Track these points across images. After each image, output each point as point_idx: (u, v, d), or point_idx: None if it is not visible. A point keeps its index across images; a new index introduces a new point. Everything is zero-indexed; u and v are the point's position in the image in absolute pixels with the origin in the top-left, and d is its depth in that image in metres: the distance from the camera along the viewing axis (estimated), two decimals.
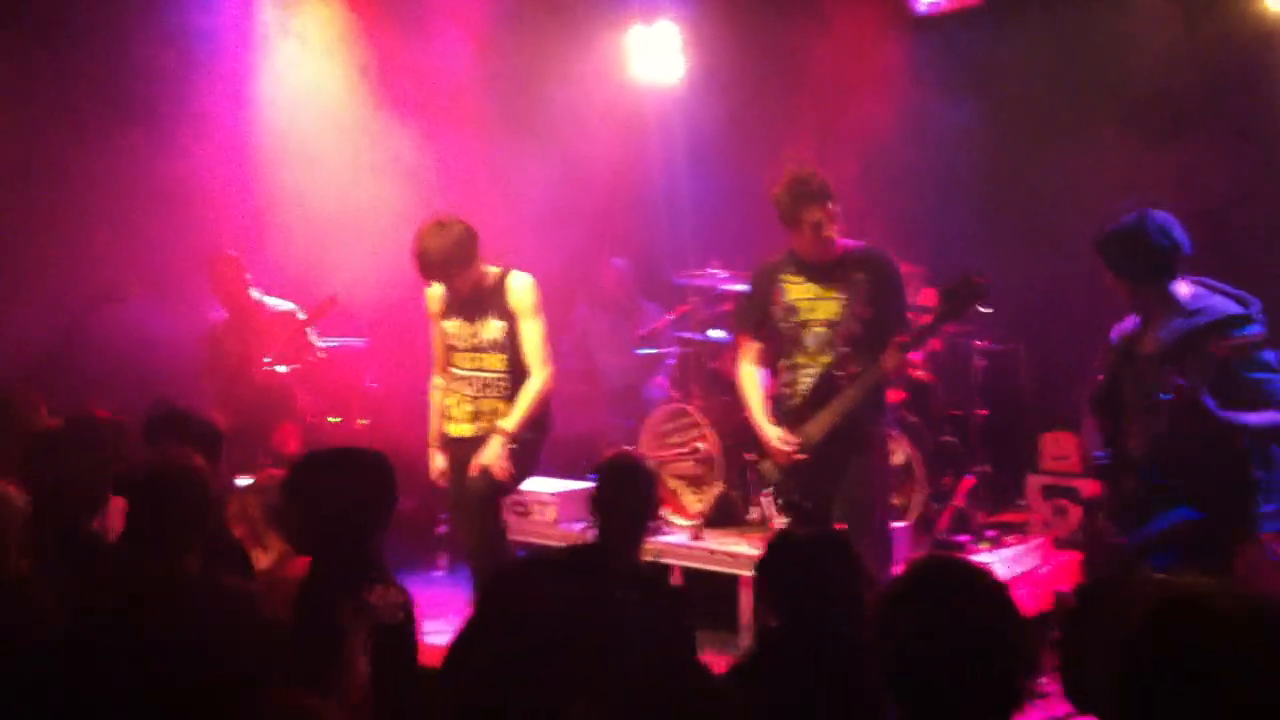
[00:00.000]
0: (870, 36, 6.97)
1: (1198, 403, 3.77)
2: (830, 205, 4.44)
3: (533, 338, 4.80)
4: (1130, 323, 4.28)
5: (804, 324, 4.55)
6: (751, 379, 4.74)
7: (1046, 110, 6.53)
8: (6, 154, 6.29)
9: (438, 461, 4.97)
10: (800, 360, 4.57)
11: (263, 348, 6.24)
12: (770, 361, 4.73)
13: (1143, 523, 3.95)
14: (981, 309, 4.34)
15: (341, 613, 2.80)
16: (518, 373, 4.82)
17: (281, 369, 6.21)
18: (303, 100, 7.01)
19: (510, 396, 4.81)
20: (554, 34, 7.35)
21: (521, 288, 4.82)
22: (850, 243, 4.58)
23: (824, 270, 4.54)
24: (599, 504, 3.52)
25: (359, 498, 3.00)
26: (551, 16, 7.36)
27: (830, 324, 4.50)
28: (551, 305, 5.07)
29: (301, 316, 6.35)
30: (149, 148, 6.47)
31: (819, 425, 4.48)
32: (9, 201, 6.35)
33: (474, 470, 4.68)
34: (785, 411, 4.61)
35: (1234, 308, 4.00)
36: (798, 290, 4.58)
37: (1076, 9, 6.39)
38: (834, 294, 4.51)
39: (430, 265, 4.70)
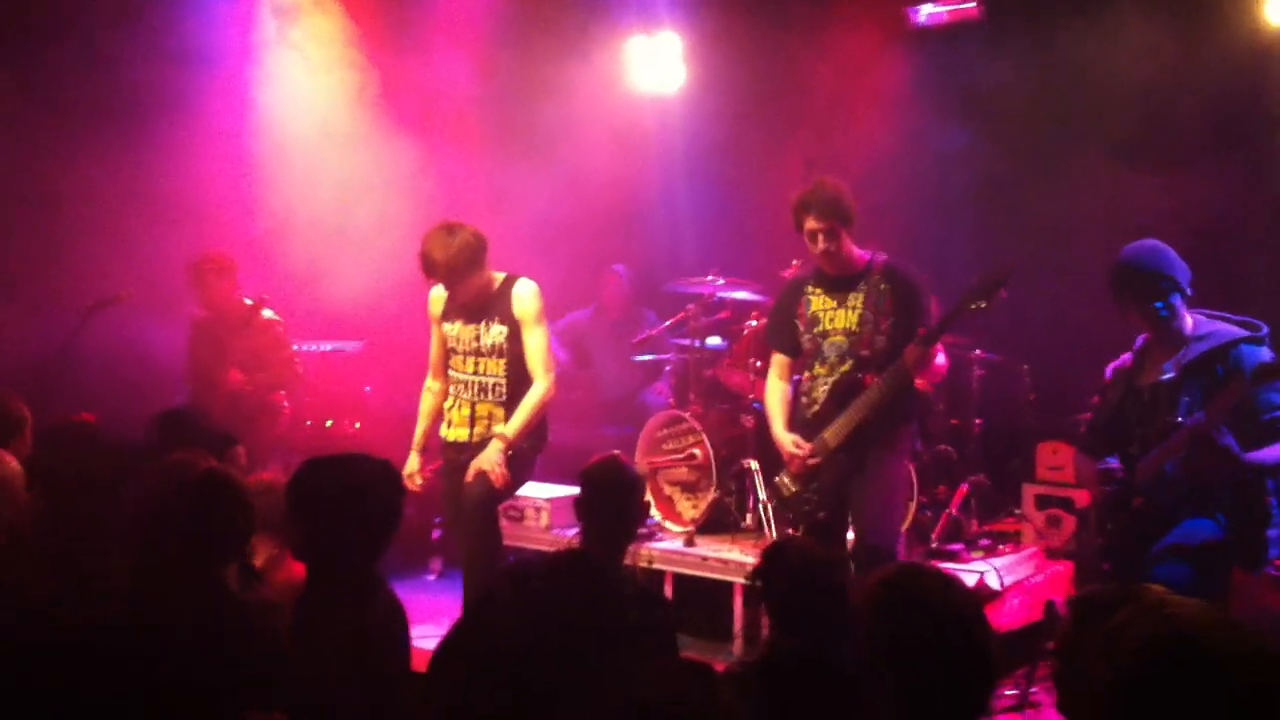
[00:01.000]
0: (869, 50, 7.00)
1: (1218, 445, 3.76)
2: (834, 223, 4.43)
3: (536, 345, 4.79)
4: (1126, 357, 4.31)
5: (824, 334, 4.59)
6: (776, 393, 4.77)
7: (1044, 129, 6.54)
8: (5, 168, 6.28)
9: (413, 463, 4.95)
10: (820, 371, 4.60)
11: (238, 355, 6.13)
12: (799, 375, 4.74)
13: (1145, 544, 3.94)
14: (1003, 292, 4.24)
15: (336, 623, 2.79)
16: (516, 379, 4.82)
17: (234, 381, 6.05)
18: (303, 114, 7.02)
19: (507, 402, 4.81)
20: (553, 47, 7.37)
21: (527, 294, 4.81)
22: (871, 254, 4.59)
23: (844, 282, 4.58)
24: (582, 509, 3.52)
25: (365, 514, 2.90)
26: (551, 29, 7.39)
27: (848, 333, 4.53)
28: (554, 316, 5.06)
29: (271, 316, 6.26)
30: (149, 161, 6.48)
31: (835, 432, 4.49)
32: (7, 215, 6.35)
33: (471, 474, 4.68)
34: (802, 422, 4.62)
35: (1240, 332, 4.03)
36: (819, 302, 4.64)
37: (1075, 26, 6.39)
38: (853, 304, 4.54)
39: (435, 267, 4.68)
